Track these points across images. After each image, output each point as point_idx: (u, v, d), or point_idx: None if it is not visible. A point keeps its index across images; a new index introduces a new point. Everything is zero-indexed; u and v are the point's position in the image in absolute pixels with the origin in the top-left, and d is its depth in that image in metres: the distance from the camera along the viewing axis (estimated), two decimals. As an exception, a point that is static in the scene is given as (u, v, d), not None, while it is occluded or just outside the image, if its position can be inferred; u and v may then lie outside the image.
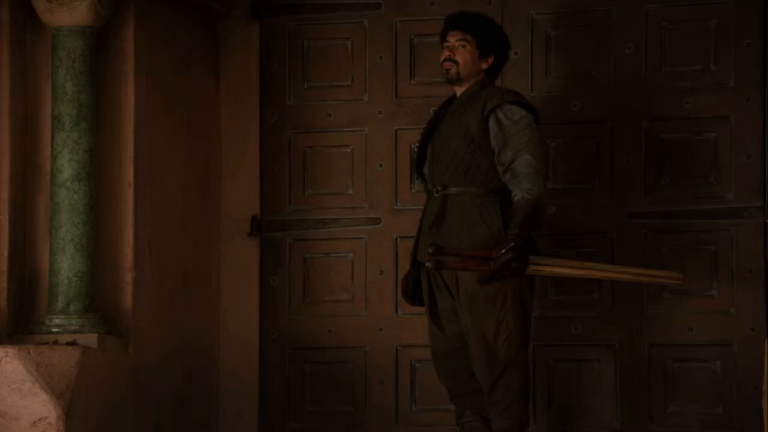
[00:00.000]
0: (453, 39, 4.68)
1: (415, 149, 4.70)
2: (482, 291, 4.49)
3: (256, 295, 5.91)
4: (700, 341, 5.47)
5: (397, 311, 5.70)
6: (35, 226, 5.07)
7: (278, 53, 5.94)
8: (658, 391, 5.50)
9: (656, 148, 5.55)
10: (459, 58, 4.66)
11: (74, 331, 4.93)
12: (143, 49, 5.27)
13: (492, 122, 4.52)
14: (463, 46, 4.65)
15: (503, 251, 4.38)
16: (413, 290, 4.85)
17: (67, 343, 4.85)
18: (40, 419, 4.62)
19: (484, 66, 4.70)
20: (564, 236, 5.61)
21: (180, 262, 5.62)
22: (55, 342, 4.86)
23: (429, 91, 5.72)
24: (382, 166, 5.77)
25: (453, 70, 4.67)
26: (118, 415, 5.03)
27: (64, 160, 5.00)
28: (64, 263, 4.98)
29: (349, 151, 5.89)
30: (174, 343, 5.54)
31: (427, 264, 4.50)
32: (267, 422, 5.82)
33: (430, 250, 4.38)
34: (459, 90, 4.76)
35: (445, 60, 4.69)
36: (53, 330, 4.94)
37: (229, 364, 5.85)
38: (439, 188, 4.58)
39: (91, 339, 4.93)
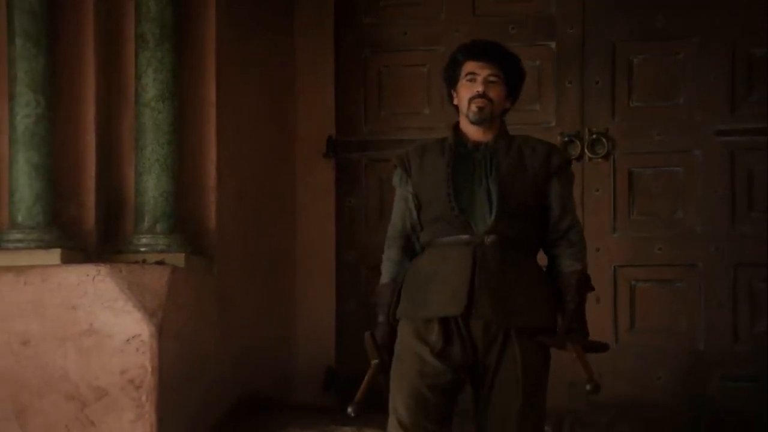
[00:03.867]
0: (484, 72, 4.00)
1: (450, 189, 3.98)
2: (543, 352, 4.03)
3: (333, 216, 6.02)
4: (788, 260, 5.55)
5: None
6: (121, 145, 5.15)
7: (353, -28, 6.01)
8: (742, 310, 5.58)
9: (744, 63, 5.58)
10: (493, 95, 4.01)
11: (161, 251, 5.05)
12: (221, -32, 5.35)
13: (556, 182, 4.03)
14: (495, 83, 4.02)
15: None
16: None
17: (156, 263, 4.98)
18: (133, 337, 4.76)
19: (507, 107, 4.10)
20: (646, 155, 5.68)
21: (259, 183, 5.75)
22: (144, 261, 4.98)
23: (508, 9, 5.78)
24: (459, 85, 5.84)
25: (487, 110, 4.00)
26: (204, 333, 5.18)
27: (149, 80, 5.08)
28: (150, 183, 5.08)
29: (425, 70, 5.96)
30: (254, 263, 5.67)
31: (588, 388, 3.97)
32: (345, 338, 5.95)
33: (589, 387, 3.93)
34: (478, 131, 4.06)
35: (479, 96, 4.00)
36: (141, 249, 5.05)
37: (306, 285, 6.00)
38: (492, 237, 3.93)
39: (178, 258, 5.04)
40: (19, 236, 4.86)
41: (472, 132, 4.05)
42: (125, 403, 4.74)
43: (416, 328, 3.97)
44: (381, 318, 4.08)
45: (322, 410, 5.71)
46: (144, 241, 5.08)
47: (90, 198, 5.02)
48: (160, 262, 4.99)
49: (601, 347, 3.99)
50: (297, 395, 5.94)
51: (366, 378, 3.98)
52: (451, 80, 4.08)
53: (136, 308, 4.77)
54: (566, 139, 5.76)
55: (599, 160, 5.72)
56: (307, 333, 5.97)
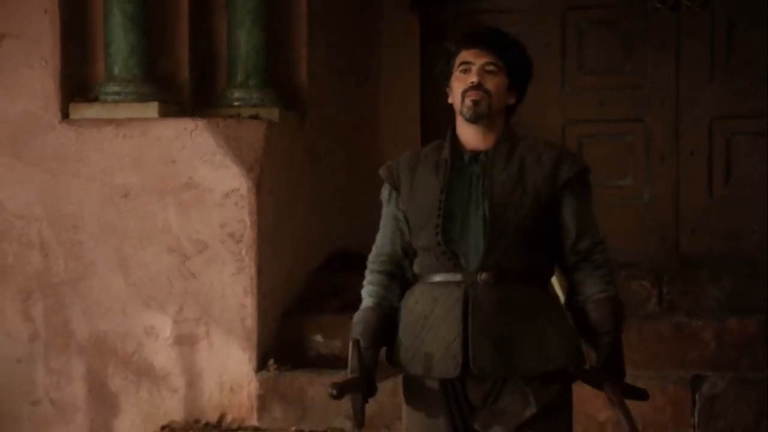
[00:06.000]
0: (479, 60, 3.39)
1: (439, 220, 3.39)
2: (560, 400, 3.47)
3: (418, 72, 6.03)
4: None
5: (563, 85, 5.84)
6: (214, -1, 5.21)
7: None
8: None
9: None
10: (491, 86, 3.39)
11: (254, 105, 5.10)
12: None
13: (569, 196, 3.42)
14: (493, 72, 3.40)
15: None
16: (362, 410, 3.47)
17: (250, 117, 5.03)
18: (232, 191, 4.84)
19: (510, 102, 3.46)
20: (747, 2, 5.61)
21: (347, 38, 5.76)
22: (238, 116, 5.04)
23: None
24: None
25: (484, 103, 3.37)
26: (298, 188, 5.26)
27: (240, -71, 5.09)
28: (242, 36, 5.11)
29: None
30: (342, 119, 5.73)
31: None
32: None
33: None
34: (477, 132, 3.42)
35: (472, 87, 3.38)
36: (234, 104, 5.11)
37: (391, 140, 6.01)
38: (486, 275, 3.36)
39: (272, 113, 5.09)
40: (116, 89, 4.93)
41: (470, 137, 3.42)
42: (225, 256, 4.85)
43: (419, 387, 3.45)
44: (364, 343, 3.44)
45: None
46: (237, 95, 5.14)
47: (184, 51, 5.07)
48: (255, 117, 5.04)
49: (642, 395, 3.42)
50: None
51: (346, 381, 3.41)
52: (445, 75, 3.47)
53: (234, 163, 4.84)
54: (661, -13, 5.72)
55: (696, 8, 5.67)
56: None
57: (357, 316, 3.49)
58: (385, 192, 3.56)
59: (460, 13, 5.99)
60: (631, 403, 3.32)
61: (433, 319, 3.40)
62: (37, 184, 4.93)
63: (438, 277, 3.41)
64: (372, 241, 5.85)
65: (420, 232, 3.43)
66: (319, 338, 5.05)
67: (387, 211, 3.55)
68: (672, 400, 4.49)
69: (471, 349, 3.33)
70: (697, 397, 4.51)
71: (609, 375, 3.33)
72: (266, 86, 5.17)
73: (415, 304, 3.44)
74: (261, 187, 4.89)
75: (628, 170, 5.78)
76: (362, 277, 5.33)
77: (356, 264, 5.70)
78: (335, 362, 4.97)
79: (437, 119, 5.95)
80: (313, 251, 5.44)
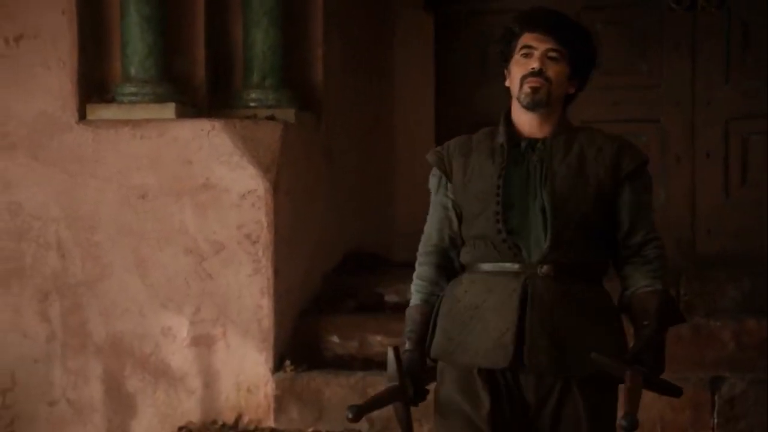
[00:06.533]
0: (542, 46, 3.29)
1: (498, 207, 3.27)
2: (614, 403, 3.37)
3: (432, 72, 6.04)
4: None
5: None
6: (230, -3, 5.22)
7: None
8: None
9: None
10: (552, 74, 3.29)
11: (271, 106, 5.11)
12: None
13: (627, 189, 3.32)
14: (555, 60, 3.30)
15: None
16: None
17: (266, 118, 5.04)
18: (249, 192, 4.85)
19: (570, 91, 3.36)
20: (762, 3, 5.61)
21: (361, 38, 5.77)
22: (255, 116, 5.05)
23: None
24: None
25: (543, 91, 3.27)
26: (314, 189, 5.27)
27: (255, -73, 5.10)
28: (258, 36, 5.11)
29: None
30: (357, 120, 5.74)
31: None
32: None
33: (624, 423, 3.06)
34: (534, 119, 3.30)
35: (532, 74, 3.27)
36: (250, 104, 5.12)
37: (406, 142, 6.04)
38: (547, 267, 3.26)
39: (288, 114, 5.10)
40: (133, 89, 4.94)
41: (526, 123, 3.30)
42: (242, 257, 4.86)
43: (460, 378, 3.32)
44: (408, 345, 3.38)
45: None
46: (253, 96, 5.14)
47: (200, 52, 5.08)
48: (271, 118, 5.05)
49: (672, 390, 3.26)
50: (396, 254, 6.04)
51: (378, 396, 3.32)
52: (505, 56, 3.35)
53: (251, 164, 4.85)
54: (676, -13, 5.72)
55: (712, 9, 5.67)
56: (406, 191, 6.03)
57: (407, 312, 3.44)
58: (433, 180, 3.42)
59: (474, 13, 6.00)
60: (655, 401, 3.31)
61: (486, 310, 3.28)
62: (54, 185, 4.95)
63: (493, 267, 3.30)
64: (384, 242, 5.97)
65: (474, 221, 3.32)
66: (335, 339, 5.06)
67: (435, 200, 3.41)
68: (691, 401, 4.49)
69: (527, 342, 3.22)
70: (716, 398, 4.52)
71: (638, 366, 3.13)
72: (282, 86, 5.18)
73: (464, 293, 3.33)
74: (278, 188, 4.90)
75: (643, 171, 5.77)
76: (377, 279, 5.43)
77: (369, 265, 5.76)
78: (351, 363, 4.99)
79: (451, 119, 6.00)
80: (329, 252, 5.45)
